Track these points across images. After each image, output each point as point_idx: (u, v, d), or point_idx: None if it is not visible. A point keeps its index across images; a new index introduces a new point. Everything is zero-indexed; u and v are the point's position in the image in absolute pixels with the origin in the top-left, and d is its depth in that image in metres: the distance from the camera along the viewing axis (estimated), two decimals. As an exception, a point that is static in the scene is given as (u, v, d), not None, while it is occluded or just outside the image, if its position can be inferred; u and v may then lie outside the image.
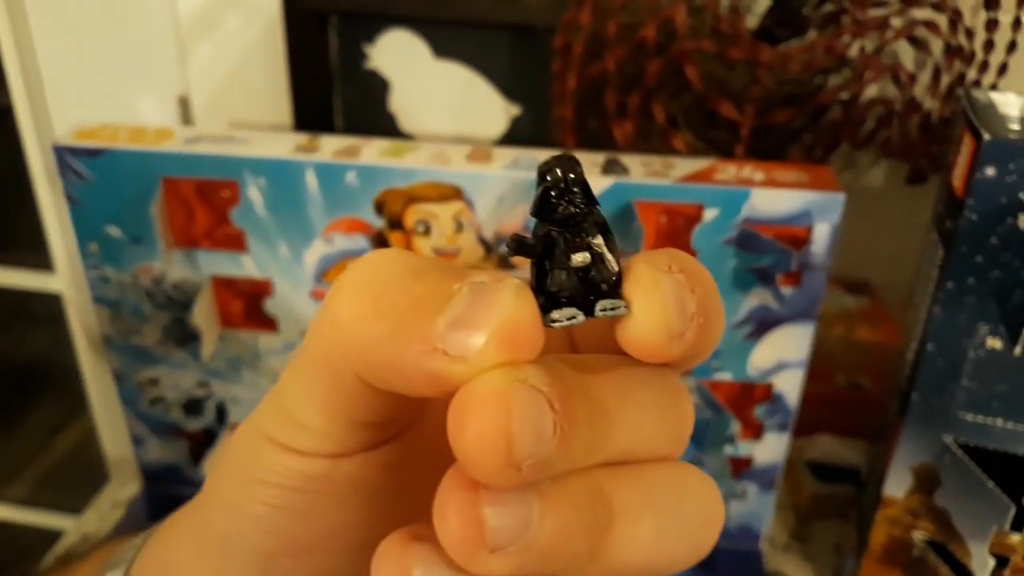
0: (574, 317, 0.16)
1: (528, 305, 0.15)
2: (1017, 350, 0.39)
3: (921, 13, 0.55)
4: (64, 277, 0.78)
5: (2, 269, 0.84)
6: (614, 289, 0.16)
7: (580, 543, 0.16)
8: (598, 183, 0.42)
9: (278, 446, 0.18)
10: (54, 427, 1.28)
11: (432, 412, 0.20)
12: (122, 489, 0.55)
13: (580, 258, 0.16)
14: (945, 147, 0.57)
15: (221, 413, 0.50)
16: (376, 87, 0.64)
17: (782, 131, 0.56)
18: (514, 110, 0.64)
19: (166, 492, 0.53)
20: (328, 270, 0.45)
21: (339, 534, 0.19)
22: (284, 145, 0.43)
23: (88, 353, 0.82)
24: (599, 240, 0.16)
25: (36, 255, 0.80)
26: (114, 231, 0.45)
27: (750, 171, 0.42)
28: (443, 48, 0.63)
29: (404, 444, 0.19)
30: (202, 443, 0.51)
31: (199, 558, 0.21)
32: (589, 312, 0.16)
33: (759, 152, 0.54)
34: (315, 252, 0.44)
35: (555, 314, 0.16)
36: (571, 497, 0.16)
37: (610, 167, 0.43)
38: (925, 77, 0.58)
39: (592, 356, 0.18)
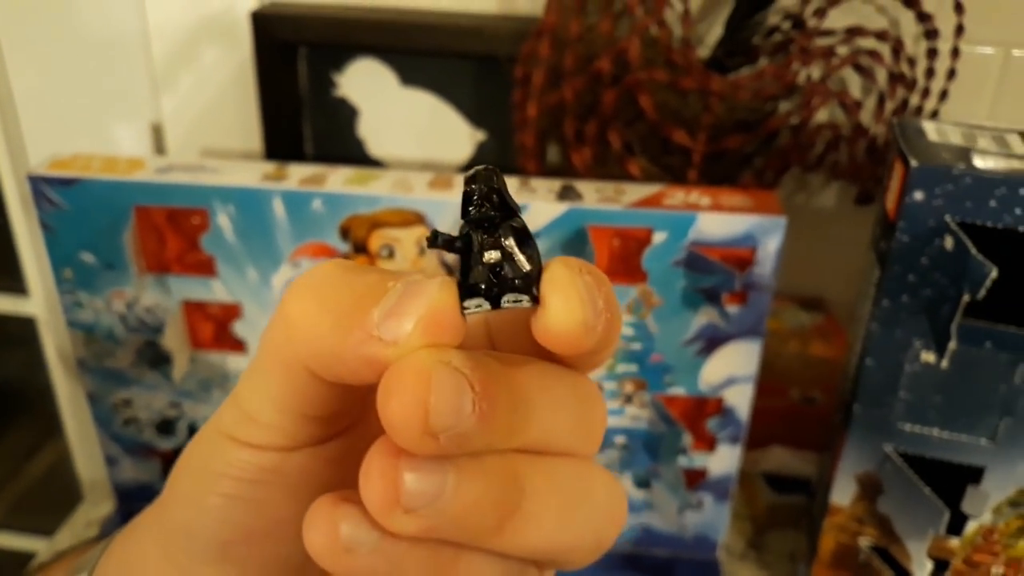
0: (481, 306, 0.18)
1: (449, 295, 0.17)
2: (944, 363, 0.41)
3: (865, 42, 0.58)
4: (38, 301, 0.79)
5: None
6: (526, 285, 0.18)
7: (488, 516, 0.18)
8: (554, 209, 0.44)
9: (235, 442, 0.20)
10: (28, 450, 1.28)
11: (373, 416, 0.22)
12: (95, 509, 0.56)
13: (491, 256, 0.18)
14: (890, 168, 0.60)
15: (193, 432, 0.51)
16: (345, 114, 0.66)
17: (734, 156, 0.58)
18: (479, 136, 0.66)
19: (139, 511, 0.54)
20: (296, 293, 0.46)
21: (290, 523, 0.21)
22: (253, 174, 0.45)
23: (62, 376, 0.83)
24: (511, 241, 0.18)
25: (10, 280, 0.81)
26: (88, 257, 0.46)
27: (697, 196, 0.44)
28: (410, 76, 0.65)
29: (348, 441, 0.21)
30: (174, 462, 0.52)
31: (160, 553, 0.22)
32: (496, 303, 0.18)
33: (713, 176, 0.56)
34: (283, 276, 0.46)
35: (468, 303, 0.18)
36: (485, 474, 0.18)
37: (565, 193, 0.45)
38: (871, 103, 0.60)
39: (516, 355, 0.20)
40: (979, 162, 0.39)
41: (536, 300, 0.18)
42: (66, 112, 0.70)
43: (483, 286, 0.18)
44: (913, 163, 0.39)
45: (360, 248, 0.45)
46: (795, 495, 0.56)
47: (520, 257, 0.18)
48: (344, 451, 0.21)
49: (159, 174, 0.45)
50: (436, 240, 0.18)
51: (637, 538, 0.52)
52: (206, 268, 0.46)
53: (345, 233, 0.45)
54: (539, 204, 0.44)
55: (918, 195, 0.39)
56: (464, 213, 0.18)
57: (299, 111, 0.66)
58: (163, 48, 0.65)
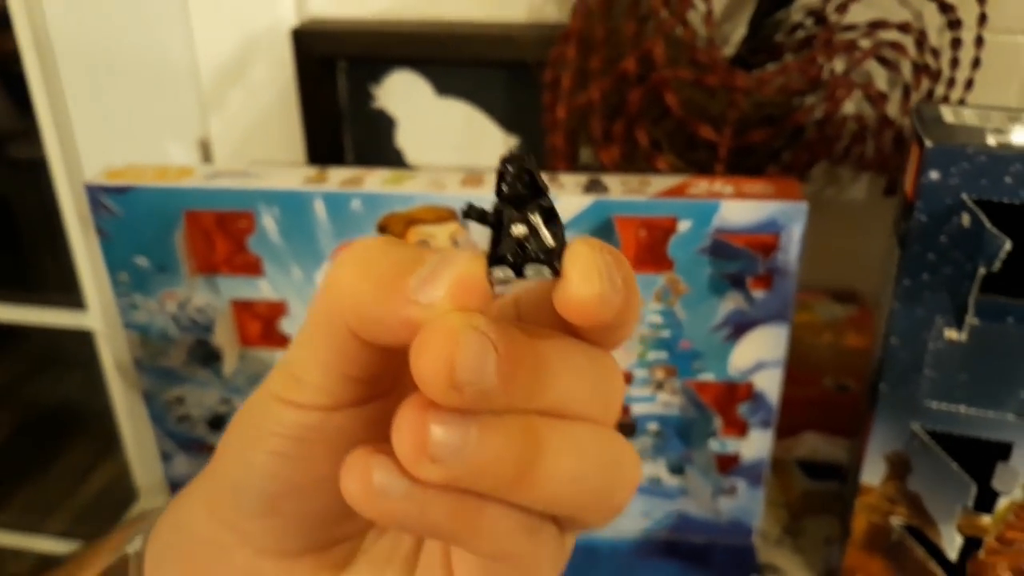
0: (505, 274, 0.20)
1: (477, 264, 0.19)
2: (965, 339, 0.42)
3: (888, 35, 0.59)
4: (95, 315, 0.82)
5: (38, 309, 0.89)
6: (548, 259, 0.20)
7: (507, 469, 0.19)
8: (581, 201, 0.45)
9: (282, 402, 0.22)
10: (89, 463, 1.32)
11: (408, 384, 0.24)
12: (150, 503, 0.59)
13: (518, 230, 0.20)
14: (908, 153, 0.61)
15: (243, 428, 0.54)
16: (383, 125, 0.69)
17: (762, 151, 0.59)
18: (512, 141, 0.68)
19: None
20: (337, 290, 0.48)
21: (330, 479, 0.22)
22: (295, 178, 0.48)
23: (120, 387, 0.86)
24: (537, 218, 0.20)
25: (68, 295, 0.85)
26: (141, 261, 0.49)
27: (720, 185, 0.46)
28: (444, 86, 0.67)
29: (384, 406, 0.23)
30: (226, 457, 0.55)
31: (208, 512, 0.24)
32: (519, 272, 0.20)
33: (740, 171, 0.58)
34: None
35: (494, 271, 0.20)
36: (506, 430, 0.20)
37: (592, 186, 0.46)
38: (897, 95, 0.61)
39: (542, 328, 0.21)
40: (992, 141, 0.40)
41: (557, 273, 0.20)
42: (119, 132, 0.73)
43: (509, 257, 0.20)
44: (928, 144, 0.40)
45: (397, 245, 0.47)
46: (829, 481, 0.57)
47: (544, 233, 0.20)
48: (381, 414, 0.23)
49: (207, 180, 0.48)
50: (471, 212, 0.20)
51: (673, 524, 0.54)
52: (253, 268, 0.48)
53: (383, 230, 0.47)
54: (567, 197, 0.45)
55: (934, 175, 0.40)
56: (497, 191, 0.20)
57: (339, 123, 0.69)
58: (209, 68, 0.69)
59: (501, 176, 0.20)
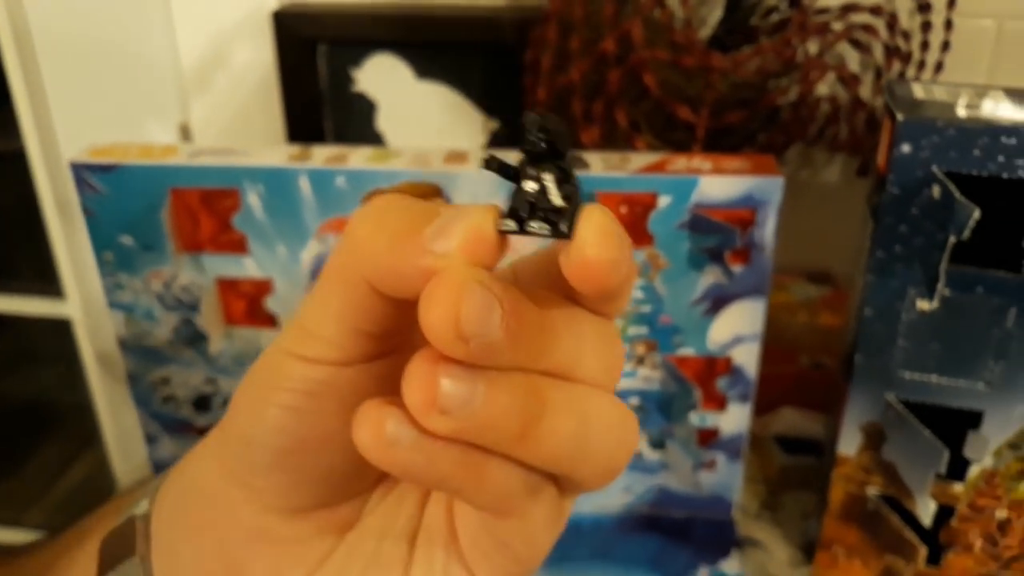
0: (511, 227, 0.21)
1: (488, 217, 0.20)
2: (936, 308, 0.43)
3: (860, 18, 0.60)
4: (74, 303, 0.82)
5: (13, 297, 0.89)
6: (555, 218, 0.21)
7: (512, 424, 0.20)
8: (562, 177, 0.46)
9: (294, 357, 0.23)
10: (66, 457, 1.31)
11: (417, 342, 0.24)
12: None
13: (530, 186, 0.21)
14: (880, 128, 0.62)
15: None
16: (364, 108, 0.69)
17: (738, 132, 0.60)
18: (492, 124, 0.69)
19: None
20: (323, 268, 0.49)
21: (339, 434, 0.23)
22: (279, 155, 0.48)
23: (99, 376, 0.86)
24: (549, 177, 0.21)
25: (42, 286, 0.84)
26: (127, 240, 0.49)
27: (699, 162, 0.47)
28: (424, 70, 0.68)
29: (393, 363, 0.24)
30: (211, 437, 0.55)
31: (219, 469, 0.25)
32: (523, 228, 0.21)
33: (717, 152, 0.59)
34: (311, 251, 0.49)
35: (503, 222, 0.21)
36: (512, 386, 0.20)
37: (488, 166, 0.47)
38: (869, 77, 0.63)
39: (547, 293, 0.22)
40: (962, 114, 0.41)
41: (562, 235, 0.20)
42: (98, 116, 0.73)
43: (518, 211, 0.21)
44: (900, 117, 0.41)
45: (381, 222, 0.48)
46: (806, 456, 0.58)
47: (554, 192, 0.21)
48: (389, 371, 0.24)
49: (191, 158, 0.48)
50: (491, 163, 0.21)
51: (654, 499, 0.55)
52: (238, 246, 0.49)
53: (367, 208, 0.47)
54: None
55: (905, 148, 0.41)
56: (521, 146, 0.21)
57: (320, 107, 0.69)
58: (189, 51, 0.69)
59: (525, 133, 0.21)
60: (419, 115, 0.69)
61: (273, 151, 0.49)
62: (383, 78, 0.68)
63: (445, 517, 0.25)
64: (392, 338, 0.23)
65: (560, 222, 0.20)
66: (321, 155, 0.48)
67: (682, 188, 0.46)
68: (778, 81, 0.60)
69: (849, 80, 0.61)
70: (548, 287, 0.23)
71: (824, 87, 0.64)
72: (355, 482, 0.25)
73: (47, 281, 0.86)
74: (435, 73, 0.68)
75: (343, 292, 0.22)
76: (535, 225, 0.21)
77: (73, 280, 0.81)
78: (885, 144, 0.43)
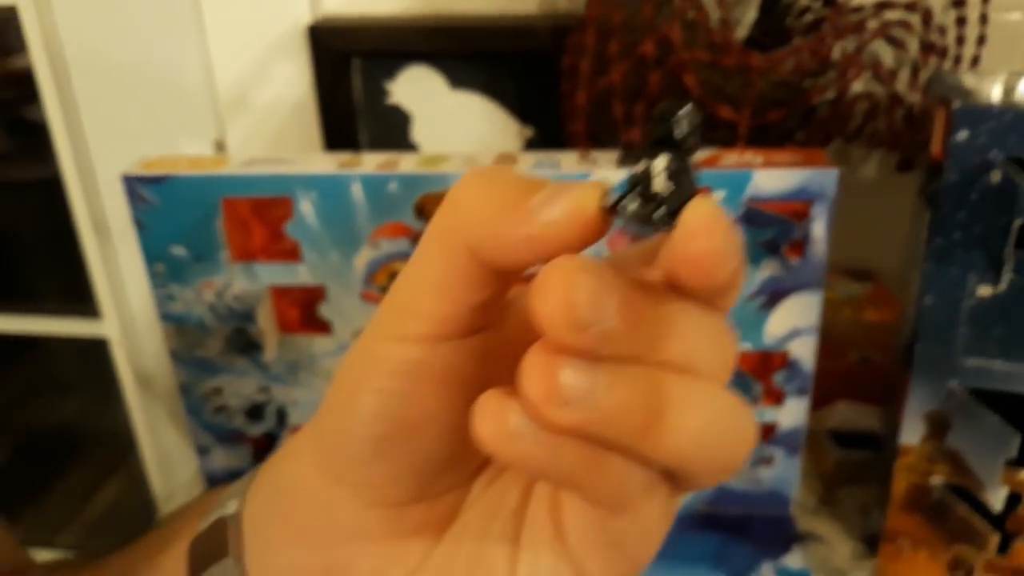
0: (613, 203, 0.20)
1: (592, 194, 0.20)
2: (1001, 292, 0.43)
3: (895, 14, 0.60)
4: (111, 323, 0.82)
5: (47, 319, 0.89)
6: (653, 206, 0.20)
7: (634, 418, 0.20)
8: (616, 176, 0.46)
9: (387, 338, 0.23)
10: (94, 483, 1.31)
11: (510, 323, 0.24)
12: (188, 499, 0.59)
13: (638, 169, 0.20)
14: (928, 133, 0.62)
15: (281, 416, 0.54)
16: (399, 120, 0.69)
17: (777, 131, 0.61)
18: (527, 132, 0.69)
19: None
20: (376, 272, 0.49)
21: (435, 418, 0.23)
22: (330, 162, 0.48)
23: (136, 396, 0.86)
24: (660, 163, 0.20)
25: (83, 303, 0.85)
26: (179, 251, 0.49)
27: (751, 156, 0.47)
28: (458, 80, 0.68)
29: (487, 340, 0.23)
30: (264, 447, 0.55)
31: (314, 465, 0.24)
32: (621, 211, 0.20)
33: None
34: (363, 257, 0.49)
35: (607, 200, 0.20)
36: (633, 379, 0.20)
37: (623, 160, 0.47)
38: (905, 74, 0.63)
39: (659, 286, 0.22)
40: (1017, 99, 0.41)
41: (663, 222, 0.20)
42: (132, 135, 0.74)
43: (624, 192, 0.20)
44: (955, 105, 0.41)
45: (434, 225, 0.48)
46: (862, 450, 0.57)
47: (659, 179, 0.20)
48: (484, 348, 0.23)
49: (243, 167, 0.48)
50: (627, 154, 0.21)
51: (712, 497, 0.54)
52: (291, 254, 0.49)
53: (420, 211, 0.47)
54: (601, 172, 0.46)
55: (962, 135, 0.41)
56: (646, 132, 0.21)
57: (354, 121, 0.70)
58: (223, 68, 0.69)
59: (651, 119, 0.21)
60: (454, 125, 0.69)
61: (323, 159, 0.49)
62: (417, 89, 0.68)
63: (550, 512, 0.24)
64: (488, 313, 0.23)
65: (662, 209, 0.20)
66: (372, 161, 0.48)
67: (736, 182, 0.46)
68: (815, 79, 0.60)
69: (886, 77, 0.61)
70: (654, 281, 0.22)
71: (860, 84, 0.64)
72: (454, 471, 0.25)
73: (81, 302, 0.87)
74: (469, 83, 0.68)
75: (441, 260, 0.22)
76: (634, 207, 0.20)
77: (110, 299, 0.81)
78: (940, 133, 0.43)
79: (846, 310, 0.65)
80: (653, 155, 0.20)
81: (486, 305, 0.23)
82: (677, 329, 0.21)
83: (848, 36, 0.59)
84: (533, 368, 0.19)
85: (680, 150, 0.20)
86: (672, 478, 0.22)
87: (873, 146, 0.63)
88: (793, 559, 0.52)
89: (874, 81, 0.64)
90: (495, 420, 0.20)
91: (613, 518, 0.22)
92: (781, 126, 0.60)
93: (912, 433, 0.48)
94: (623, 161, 0.22)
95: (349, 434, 0.23)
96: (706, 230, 0.19)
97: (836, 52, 0.60)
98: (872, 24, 0.60)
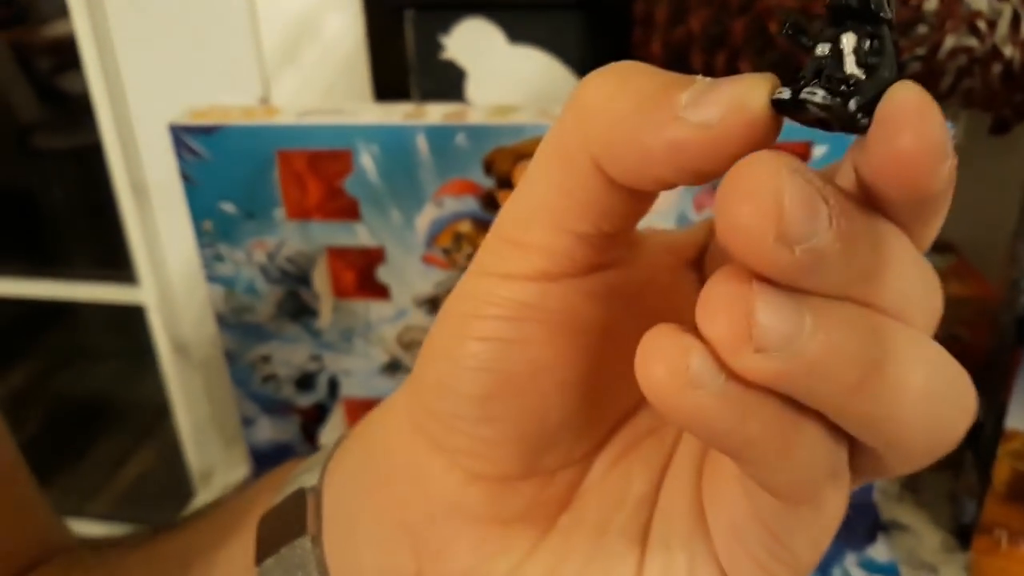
0: (786, 97, 0.16)
1: (761, 85, 0.16)
2: None
3: (996, -38, 0.55)
4: (149, 289, 0.80)
5: (82, 284, 0.87)
6: (842, 92, 0.16)
7: (849, 371, 0.15)
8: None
9: (493, 277, 0.19)
10: (124, 453, 1.30)
11: (644, 259, 0.20)
12: (232, 472, 0.56)
13: (821, 49, 0.16)
14: (1029, 93, 0.57)
15: (333, 387, 0.51)
16: (452, 76, 0.66)
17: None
18: (589, 90, 0.65)
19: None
20: (440, 233, 0.45)
21: (548, 371, 0.19)
22: (393, 113, 0.45)
23: (173, 364, 0.83)
24: (849, 40, 0.16)
25: (120, 269, 0.82)
26: (228, 207, 0.46)
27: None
28: (517, 33, 0.64)
29: (610, 279, 0.20)
30: (314, 419, 0.52)
31: (411, 425, 0.21)
32: (797, 96, 0.16)
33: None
34: (426, 216, 0.45)
35: (780, 92, 0.16)
36: (847, 320, 0.16)
37: (795, 39, 0.43)
38: (1004, 25, 0.58)
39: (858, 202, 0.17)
40: None
41: (852, 116, 0.16)
42: (172, 90, 0.70)
43: (802, 83, 0.16)
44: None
45: (504, 182, 0.44)
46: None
47: (849, 58, 0.16)
48: (606, 289, 0.20)
49: (300, 118, 0.44)
50: (792, 28, 0.17)
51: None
52: (350, 212, 0.45)
53: (489, 167, 0.44)
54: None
55: (1105, 82, 0.37)
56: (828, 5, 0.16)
57: (406, 76, 0.66)
58: (271, 18, 0.66)
59: None
60: (511, 81, 0.66)
61: (386, 109, 0.45)
62: (473, 44, 0.65)
63: (691, 500, 0.20)
64: (613, 247, 0.19)
65: (853, 98, 0.16)
66: (437, 112, 0.45)
67: (839, 137, 0.41)
68: (910, 32, 0.55)
69: (985, 30, 0.56)
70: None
71: (952, 38, 0.60)
72: (571, 443, 0.21)
73: (117, 268, 0.84)
74: (528, 36, 0.64)
75: (560, 175, 0.18)
76: (820, 97, 0.16)
77: (148, 265, 0.78)
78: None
79: (930, 283, 0.61)
80: (837, 31, 0.16)
81: (611, 237, 0.19)
82: (893, 261, 0.16)
83: (946, -16, 0.55)
84: (719, 301, 0.15)
85: (873, 21, 0.16)
86: (868, 457, 0.18)
87: (966, 106, 0.59)
88: (878, 550, 0.48)
89: (968, 34, 0.59)
90: (670, 361, 0.15)
91: (788, 511, 0.18)
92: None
93: (1020, 417, 0.44)
94: (792, 40, 0.17)
95: (449, 390, 0.19)
96: (915, 120, 0.15)
97: (931, 2, 0.56)
98: (971, -28, 0.55)
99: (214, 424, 0.85)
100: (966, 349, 0.57)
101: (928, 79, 0.56)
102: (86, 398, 1.43)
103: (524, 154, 0.44)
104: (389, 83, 0.65)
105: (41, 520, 0.33)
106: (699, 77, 0.17)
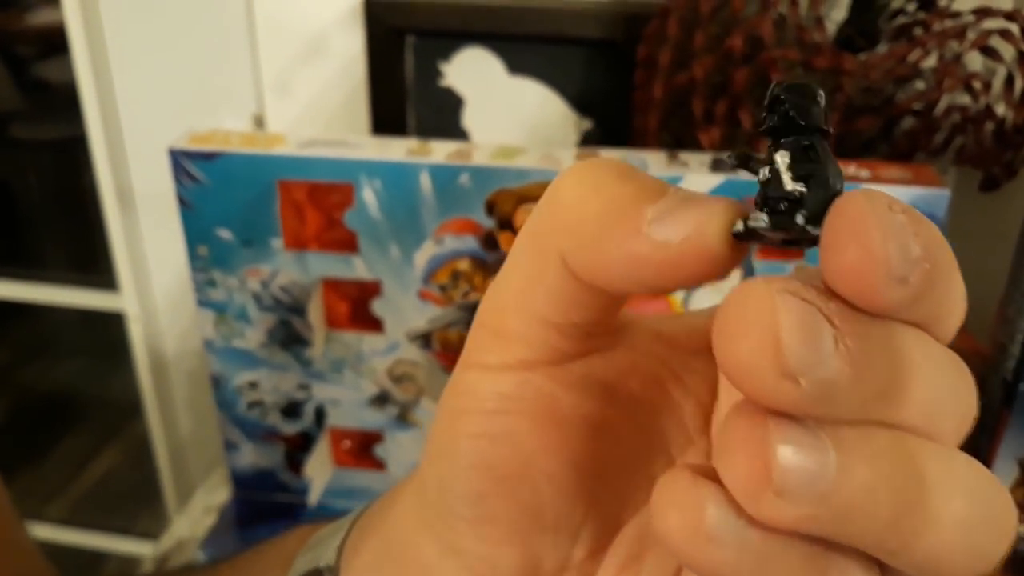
0: (740, 228, 0.16)
1: (725, 213, 0.16)
2: None
3: (994, 23, 0.56)
4: (129, 296, 0.79)
5: (65, 289, 0.85)
6: (787, 209, 0.15)
7: (881, 509, 0.14)
8: (708, 181, 0.42)
9: (475, 368, 0.19)
10: (88, 453, 1.28)
11: (633, 341, 0.20)
12: (212, 496, 0.55)
13: (762, 173, 0.16)
14: (1019, 153, 0.58)
15: (320, 416, 0.50)
16: (450, 104, 0.65)
17: (857, 140, 0.57)
18: (586, 124, 0.65)
19: (258, 498, 0.53)
20: (437, 270, 0.45)
21: (538, 464, 0.19)
22: (397, 149, 0.44)
23: (148, 372, 0.82)
24: (784, 157, 0.16)
25: (101, 276, 0.81)
26: (225, 234, 0.46)
27: (855, 169, 0.43)
28: (517, 64, 0.64)
29: (593, 369, 0.19)
30: (299, 447, 0.51)
31: (416, 519, 0.21)
32: (751, 225, 0.16)
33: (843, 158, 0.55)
34: (425, 253, 0.45)
35: (752, 222, 0.16)
36: (874, 451, 0.14)
37: (718, 165, 0.44)
38: (997, 85, 0.59)
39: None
40: None
41: (800, 231, 0.15)
42: (166, 105, 0.70)
43: (756, 205, 0.16)
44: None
45: (505, 224, 0.44)
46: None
47: (786, 176, 0.16)
48: (589, 378, 0.19)
49: (302, 148, 0.44)
50: (739, 159, 0.17)
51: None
52: (348, 245, 0.45)
53: (491, 208, 0.44)
54: (693, 177, 0.43)
55: (1104, 161, 0.38)
56: (767, 128, 0.16)
57: (404, 101, 0.66)
58: (269, 38, 0.65)
59: (766, 107, 0.16)
60: (508, 112, 0.65)
61: (390, 144, 0.45)
62: (473, 72, 0.64)
63: None
64: (592, 335, 0.19)
65: (798, 212, 0.15)
66: (443, 150, 0.44)
67: (840, 197, 0.42)
68: (906, 87, 0.56)
69: (979, 89, 0.57)
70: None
71: (946, 97, 0.60)
72: (570, 541, 0.20)
73: (97, 272, 0.83)
74: (528, 68, 0.64)
75: (532, 265, 0.18)
76: (764, 222, 0.16)
77: (130, 274, 0.77)
78: (1077, 155, 0.39)
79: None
80: (772, 151, 0.16)
81: (588, 327, 0.18)
82: (915, 371, 0.15)
83: (946, 44, 0.56)
84: (733, 442, 0.14)
85: (805, 132, 0.16)
86: None
87: (959, 163, 0.59)
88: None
89: (963, 92, 0.60)
90: (685, 512, 0.15)
91: None
92: (863, 136, 0.57)
93: (1003, 477, 0.44)
94: (737, 161, 0.17)
95: (447, 488, 0.19)
96: (860, 233, 0.14)
97: (930, 60, 0.56)
98: (971, 33, 0.56)
99: (194, 443, 0.84)
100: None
101: (923, 135, 0.57)
102: (52, 394, 1.40)
103: (527, 197, 0.44)
104: (386, 108, 0.65)
105: (24, 559, 0.33)
106: (672, 188, 0.16)
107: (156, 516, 0.91)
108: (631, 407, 0.20)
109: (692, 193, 0.16)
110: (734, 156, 0.17)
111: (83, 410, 1.37)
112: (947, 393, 0.16)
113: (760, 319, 0.14)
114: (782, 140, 0.16)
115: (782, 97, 0.16)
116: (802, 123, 0.16)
